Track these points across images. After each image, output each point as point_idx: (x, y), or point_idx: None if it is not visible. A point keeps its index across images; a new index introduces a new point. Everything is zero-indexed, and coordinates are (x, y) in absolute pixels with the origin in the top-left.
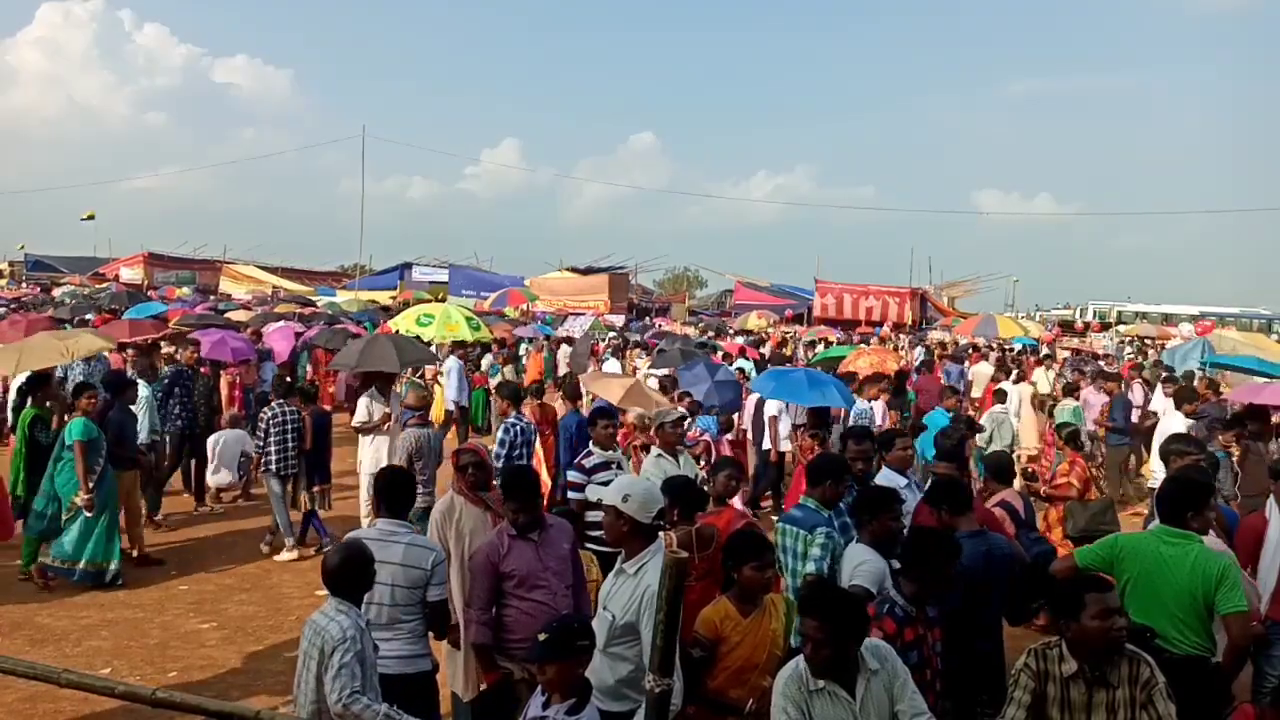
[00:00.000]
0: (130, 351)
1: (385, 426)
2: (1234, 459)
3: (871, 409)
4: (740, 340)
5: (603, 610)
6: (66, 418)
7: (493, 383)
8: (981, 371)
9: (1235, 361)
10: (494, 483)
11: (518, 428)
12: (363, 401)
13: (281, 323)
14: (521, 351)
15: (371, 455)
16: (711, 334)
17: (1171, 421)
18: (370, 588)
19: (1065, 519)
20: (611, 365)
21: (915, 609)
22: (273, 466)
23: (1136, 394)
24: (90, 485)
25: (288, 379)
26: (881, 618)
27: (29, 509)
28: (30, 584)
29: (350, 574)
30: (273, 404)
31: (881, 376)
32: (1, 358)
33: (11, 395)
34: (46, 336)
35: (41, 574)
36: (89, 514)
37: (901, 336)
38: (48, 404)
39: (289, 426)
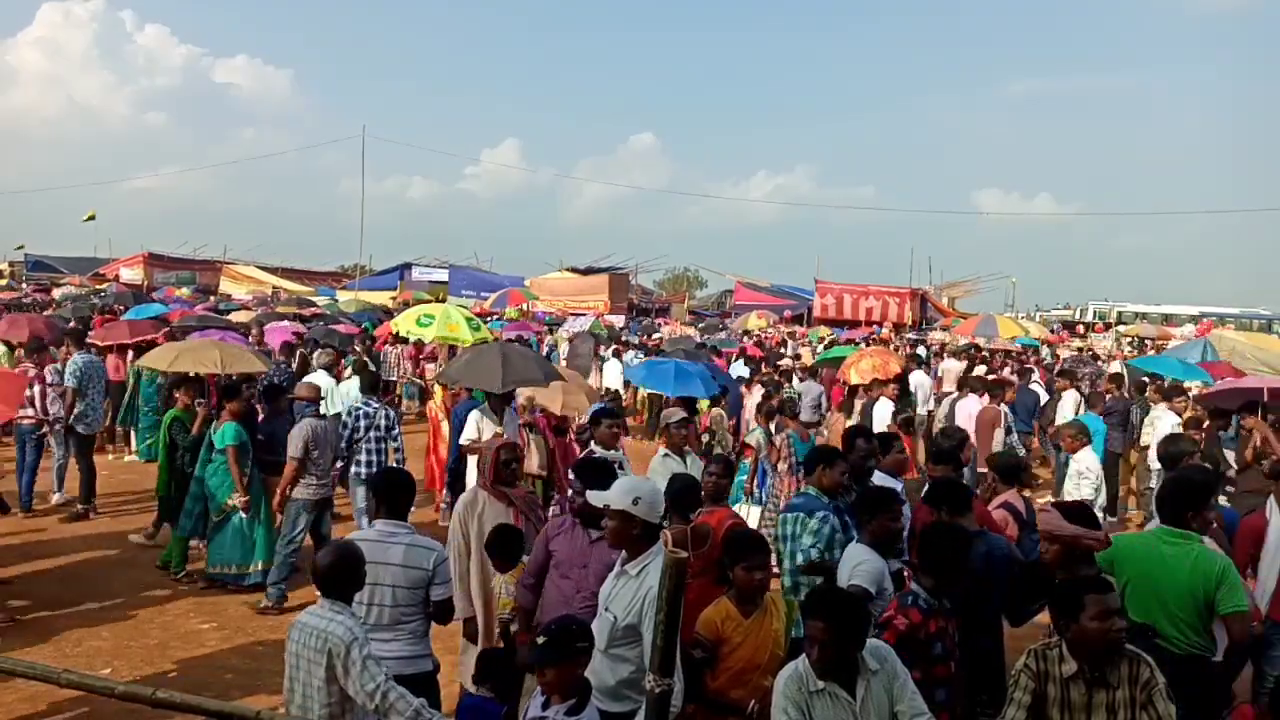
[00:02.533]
0: (130, 354)
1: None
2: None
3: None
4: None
5: (604, 612)
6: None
7: None
8: (950, 367)
9: (1155, 364)
10: (519, 481)
11: (360, 412)
12: (473, 417)
13: (283, 322)
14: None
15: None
16: (722, 335)
17: (1165, 421)
18: (361, 588)
19: None
20: (613, 366)
21: (936, 601)
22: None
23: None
24: (244, 487)
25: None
26: (907, 609)
27: (172, 506)
28: (165, 583)
29: (342, 575)
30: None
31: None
32: (158, 355)
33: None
34: (207, 344)
35: (210, 582)
36: (245, 515)
37: (897, 336)
38: (193, 405)
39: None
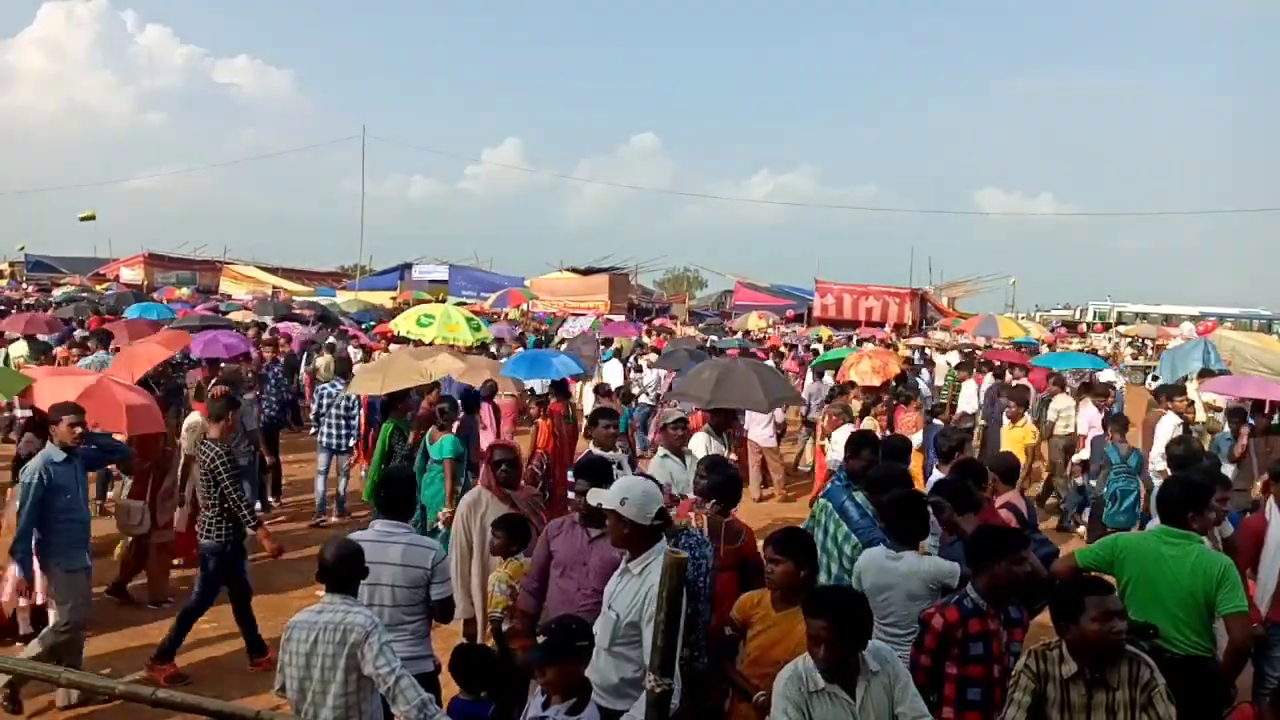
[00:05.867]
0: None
1: None
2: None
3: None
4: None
5: (607, 610)
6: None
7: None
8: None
9: (1062, 360)
10: (522, 481)
11: (324, 391)
12: (700, 440)
13: (286, 322)
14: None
15: None
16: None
17: (1166, 421)
18: (365, 576)
19: None
20: (613, 367)
21: (989, 605)
22: None
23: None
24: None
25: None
26: (945, 607)
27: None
28: None
29: (348, 568)
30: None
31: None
32: (366, 378)
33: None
34: (408, 357)
35: None
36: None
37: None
38: (407, 416)
39: None
